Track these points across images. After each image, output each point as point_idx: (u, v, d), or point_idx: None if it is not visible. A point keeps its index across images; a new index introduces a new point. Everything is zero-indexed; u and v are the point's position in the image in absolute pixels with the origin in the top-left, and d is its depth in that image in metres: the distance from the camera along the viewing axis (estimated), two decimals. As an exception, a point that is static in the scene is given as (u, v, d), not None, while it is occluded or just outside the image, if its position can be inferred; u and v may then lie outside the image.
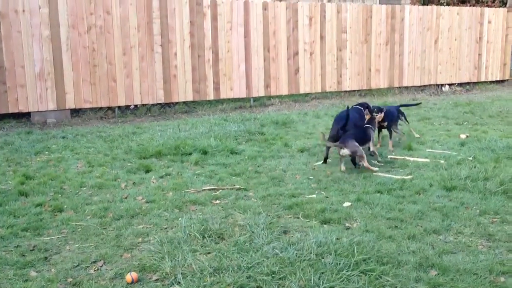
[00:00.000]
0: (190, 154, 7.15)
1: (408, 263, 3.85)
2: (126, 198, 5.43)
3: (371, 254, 3.91)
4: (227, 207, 5.13)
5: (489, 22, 15.23)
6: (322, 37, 12.64)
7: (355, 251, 3.89)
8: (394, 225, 4.62)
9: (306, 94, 12.90)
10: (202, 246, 4.15)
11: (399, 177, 6.05)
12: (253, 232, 4.37)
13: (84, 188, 5.77)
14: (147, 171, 6.45)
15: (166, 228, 4.61)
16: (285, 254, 3.91)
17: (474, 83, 15.34)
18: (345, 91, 13.36)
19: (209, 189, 5.68)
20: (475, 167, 6.26)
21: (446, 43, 14.60)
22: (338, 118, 6.90)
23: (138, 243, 4.30)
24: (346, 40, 13.01)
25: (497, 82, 15.86)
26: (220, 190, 5.65)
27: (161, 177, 6.22)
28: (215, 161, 6.86)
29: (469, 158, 6.79)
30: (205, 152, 7.18)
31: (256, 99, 12.26)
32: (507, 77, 16.00)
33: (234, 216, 4.85)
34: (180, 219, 4.75)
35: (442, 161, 6.68)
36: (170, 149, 7.29)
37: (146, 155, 7.11)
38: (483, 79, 15.46)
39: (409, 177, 6.05)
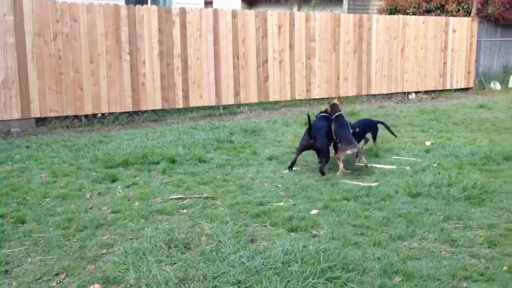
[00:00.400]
0: (157, 163, 7.08)
1: (373, 270, 3.88)
2: (91, 208, 5.33)
3: (337, 261, 3.93)
4: (194, 216, 5.09)
5: (454, 31, 15.60)
6: (291, 45, 12.73)
7: (321, 259, 3.91)
8: (360, 232, 4.67)
9: (276, 102, 12.96)
10: (167, 257, 4.11)
11: (365, 184, 6.12)
12: (220, 241, 4.35)
13: (48, 199, 5.64)
14: (113, 181, 6.35)
15: (131, 238, 4.54)
16: (252, 263, 3.89)
17: (440, 91, 15.67)
18: (314, 99, 13.46)
19: (176, 198, 5.63)
20: (439, 174, 6.39)
21: (412, 52, 14.89)
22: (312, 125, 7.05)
23: (102, 254, 4.22)
24: (315, 49, 13.13)
25: (461, 90, 16.24)
26: (188, 199, 5.61)
27: (128, 186, 6.14)
28: (183, 170, 6.81)
29: (434, 165, 6.93)
30: (173, 161, 7.13)
31: (225, 107, 12.25)
32: (471, 85, 16.40)
33: (201, 225, 4.82)
34: (146, 229, 4.69)
35: (407, 168, 6.80)
36: (137, 158, 7.21)
37: (113, 164, 7.00)
38: (448, 87, 15.81)
39: (375, 184, 6.13)
